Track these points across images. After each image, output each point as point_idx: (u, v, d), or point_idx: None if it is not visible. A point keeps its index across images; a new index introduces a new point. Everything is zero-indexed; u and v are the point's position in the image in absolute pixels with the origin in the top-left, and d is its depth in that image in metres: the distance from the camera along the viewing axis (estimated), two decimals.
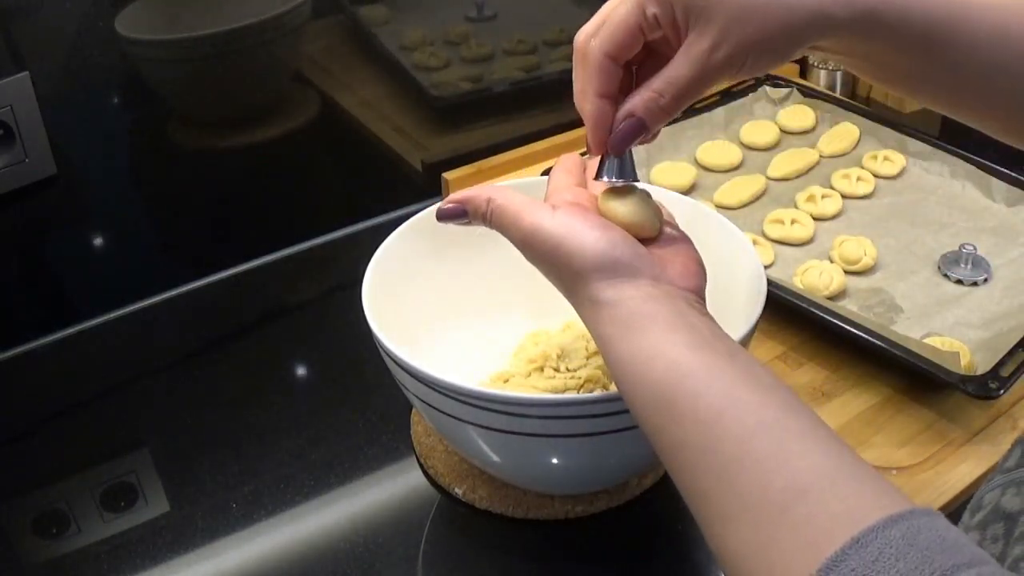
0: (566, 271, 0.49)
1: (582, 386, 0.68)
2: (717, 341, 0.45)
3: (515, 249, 0.52)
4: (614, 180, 0.52)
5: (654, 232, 0.52)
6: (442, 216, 0.55)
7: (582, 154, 0.58)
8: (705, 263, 0.52)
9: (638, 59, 0.50)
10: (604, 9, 0.49)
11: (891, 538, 0.36)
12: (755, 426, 0.41)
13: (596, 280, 0.47)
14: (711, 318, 0.48)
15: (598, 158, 0.53)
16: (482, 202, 0.52)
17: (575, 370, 0.69)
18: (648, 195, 0.53)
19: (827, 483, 0.38)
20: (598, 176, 0.52)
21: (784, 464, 0.39)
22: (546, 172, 0.97)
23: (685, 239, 0.53)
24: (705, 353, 0.44)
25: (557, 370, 0.70)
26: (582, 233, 0.48)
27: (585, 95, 0.49)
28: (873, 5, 0.46)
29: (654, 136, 0.51)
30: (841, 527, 0.36)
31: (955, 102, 0.51)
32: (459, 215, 0.54)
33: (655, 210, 0.53)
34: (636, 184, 0.53)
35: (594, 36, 0.48)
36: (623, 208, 0.51)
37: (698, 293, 0.49)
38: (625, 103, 0.49)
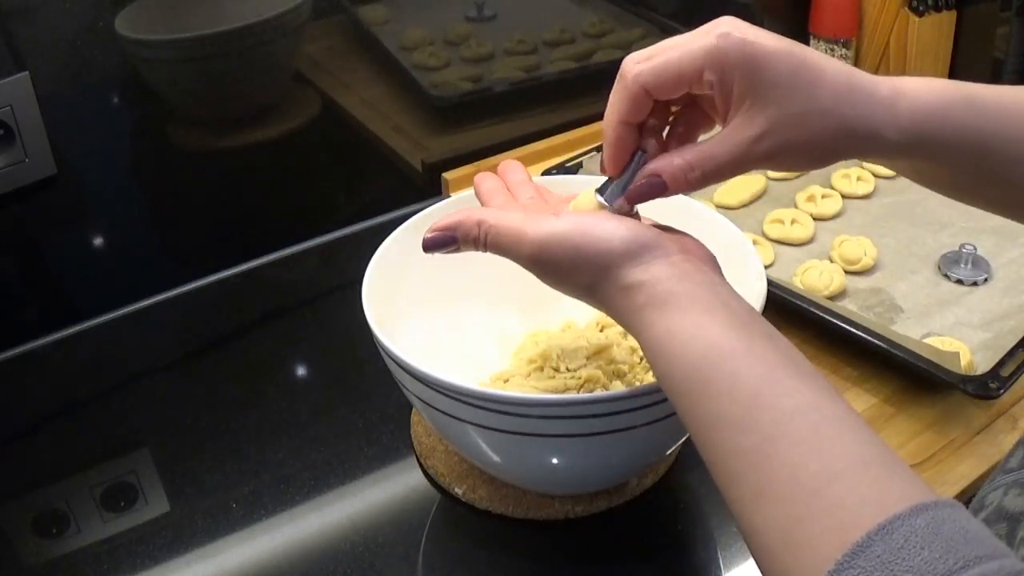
0: (591, 267, 0.48)
1: (582, 386, 0.68)
2: (755, 322, 0.45)
3: None
4: (616, 202, 0.51)
5: None
6: (428, 247, 0.53)
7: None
8: None
9: (678, 102, 0.51)
10: (663, 43, 0.49)
11: (916, 527, 0.36)
12: (792, 409, 0.41)
13: (627, 267, 0.47)
14: (740, 296, 0.48)
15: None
16: (472, 225, 0.51)
17: (575, 370, 0.69)
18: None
19: (859, 469, 0.39)
20: (601, 192, 0.52)
21: (819, 447, 0.40)
22: (547, 172, 0.98)
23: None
24: (745, 334, 0.44)
25: (557, 370, 0.70)
26: (600, 225, 0.48)
27: (609, 119, 0.50)
28: (924, 129, 0.48)
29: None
30: (869, 513, 0.37)
31: (1006, 207, 0.53)
32: (447, 243, 0.52)
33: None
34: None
35: (640, 63, 0.48)
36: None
37: (716, 267, 0.50)
38: (653, 163, 0.50)
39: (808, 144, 0.47)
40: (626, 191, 0.50)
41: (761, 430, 0.41)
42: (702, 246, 0.51)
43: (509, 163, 0.62)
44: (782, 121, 0.46)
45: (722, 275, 0.49)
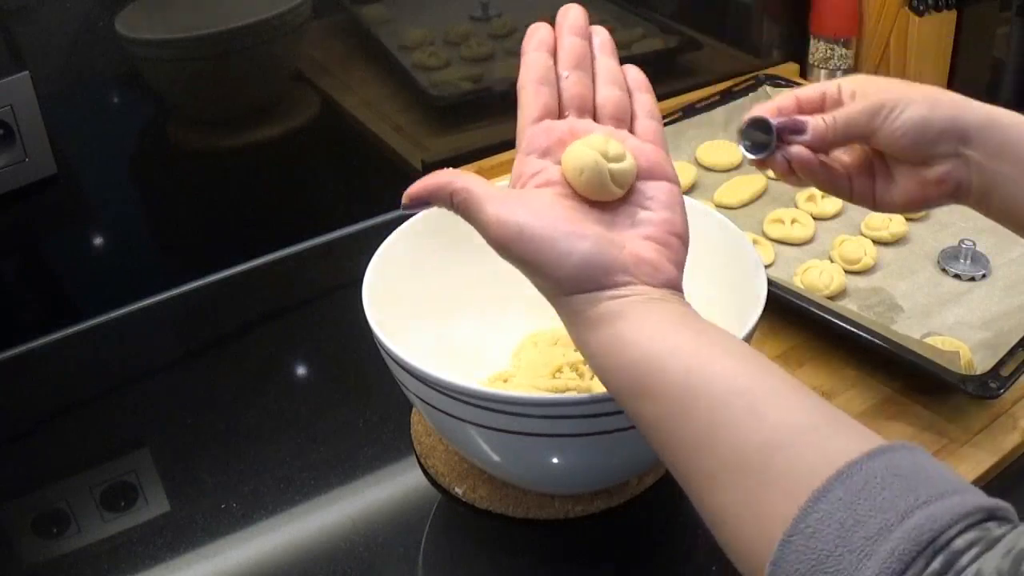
0: (539, 276, 0.49)
1: (582, 386, 0.68)
2: (687, 320, 0.46)
3: None
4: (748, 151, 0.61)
5: (618, 195, 0.51)
6: (406, 208, 0.54)
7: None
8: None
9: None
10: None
11: (875, 469, 0.37)
12: (725, 392, 0.42)
13: (570, 291, 0.48)
14: (685, 303, 0.48)
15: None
16: (446, 196, 0.52)
17: (575, 369, 0.69)
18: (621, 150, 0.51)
19: (803, 435, 0.40)
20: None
21: (758, 424, 0.41)
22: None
23: (668, 202, 0.52)
24: (672, 332, 0.45)
25: (558, 369, 0.70)
26: (556, 243, 0.47)
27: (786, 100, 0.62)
28: (995, 114, 0.57)
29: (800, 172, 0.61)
30: (824, 469, 0.38)
31: None
32: (423, 206, 0.54)
33: (627, 169, 0.51)
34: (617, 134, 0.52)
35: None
36: (585, 176, 0.50)
37: (671, 286, 0.49)
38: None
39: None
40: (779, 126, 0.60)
41: (699, 418, 0.42)
42: (666, 263, 0.49)
43: (570, 9, 0.57)
44: (883, 98, 0.59)
45: (674, 296, 0.48)
